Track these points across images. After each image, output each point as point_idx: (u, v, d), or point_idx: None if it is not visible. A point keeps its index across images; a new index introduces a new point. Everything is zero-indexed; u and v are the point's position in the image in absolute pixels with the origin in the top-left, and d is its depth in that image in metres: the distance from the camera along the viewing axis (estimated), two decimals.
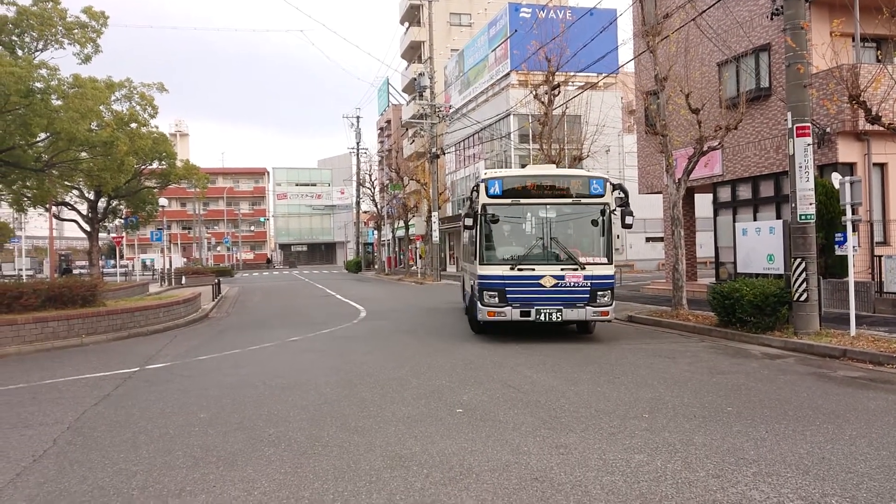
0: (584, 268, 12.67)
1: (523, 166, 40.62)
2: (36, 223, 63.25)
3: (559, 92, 22.67)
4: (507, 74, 42.69)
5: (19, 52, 14.62)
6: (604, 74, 28.39)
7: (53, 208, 29.82)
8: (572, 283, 12.59)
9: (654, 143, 22.98)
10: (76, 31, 15.02)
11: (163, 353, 12.91)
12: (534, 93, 22.80)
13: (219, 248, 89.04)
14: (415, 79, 42.19)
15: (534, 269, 12.69)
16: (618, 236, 18.37)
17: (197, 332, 16.99)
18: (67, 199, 28.16)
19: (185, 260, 72.18)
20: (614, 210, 12.89)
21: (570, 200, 12.90)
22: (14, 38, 14.58)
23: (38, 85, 13.61)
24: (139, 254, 72.02)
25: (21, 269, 52.53)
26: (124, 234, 43.37)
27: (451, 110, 48.11)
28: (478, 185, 13.34)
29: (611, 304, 12.79)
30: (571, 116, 25.62)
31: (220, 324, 19.06)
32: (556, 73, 22.00)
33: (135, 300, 21.82)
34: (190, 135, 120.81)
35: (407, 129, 61.45)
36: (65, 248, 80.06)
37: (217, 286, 30.25)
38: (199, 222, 78.97)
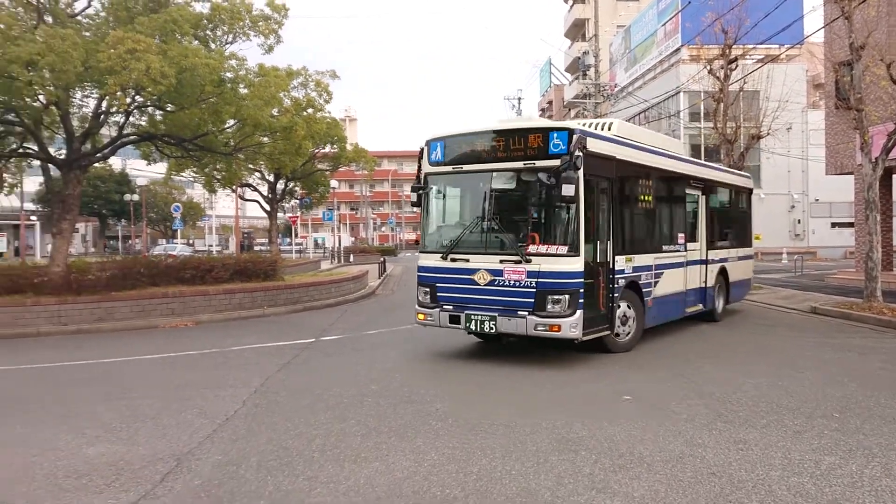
0: (529, 260, 8.95)
1: (695, 148, 38.81)
2: (224, 203, 69.05)
3: (736, 66, 21.23)
4: (678, 49, 40.66)
5: (212, 46, 15.87)
6: (787, 46, 26.21)
7: (238, 189, 32.37)
8: (511, 282, 9.07)
9: (846, 119, 20.90)
10: (260, 23, 16.05)
11: (335, 326, 13.64)
12: (708, 67, 21.51)
13: (383, 229, 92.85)
14: (578, 58, 41.27)
15: (468, 261, 9.47)
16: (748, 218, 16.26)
17: (365, 307, 17.80)
18: (250, 181, 30.47)
19: (352, 239, 75.90)
20: (587, 175, 9.06)
21: (520, 165, 9.17)
22: (207, 32, 15.84)
23: (229, 75, 14.78)
24: (311, 233, 76.72)
25: (211, 245, 57.60)
26: (299, 213, 46.26)
27: (616, 89, 46.66)
28: (421, 150, 10.35)
29: (570, 315, 8.68)
30: (749, 92, 23.89)
31: (387, 301, 19.84)
32: (734, 46, 20.60)
33: (309, 276, 23.26)
34: (358, 119, 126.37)
35: (569, 110, 60.40)
36: (247, 226, 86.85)
37: (382, 265, 31.48)
38: (365, 203, 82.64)
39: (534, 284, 8.89)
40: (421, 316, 10.00)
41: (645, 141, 11.46)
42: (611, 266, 9.59)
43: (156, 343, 11.63)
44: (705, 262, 13.20)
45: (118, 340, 12.12)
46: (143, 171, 49.00)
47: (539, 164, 8.94)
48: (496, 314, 9.06)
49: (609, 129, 10.72)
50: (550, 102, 68.48)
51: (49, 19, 14.08)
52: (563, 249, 8.87)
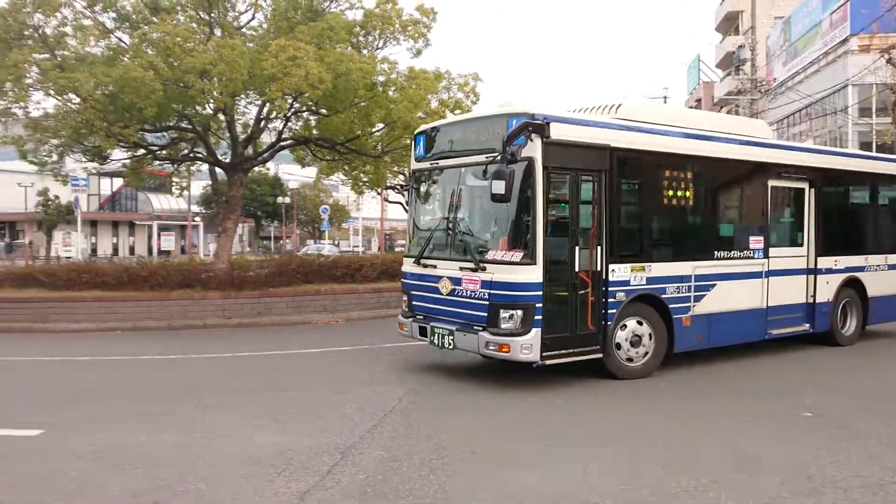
0: (484, 268, 7.78)
1: (866, 146, 35.52)
2: (367, 206, 71.57)
3: None
4: (846, 40, 37.53)
5: (363, 51, 16.34)
6: None
7: (383, 192, 33.31)
8: (468, 293, 7.96)
9: None
10: (409, 27, 16.34)
11: None
12: (887, 57, 19.63)
13: None
14: (731, 52, 39.16)
15: (435, 267, 8.56)
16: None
17: None
18: (395, 182, 31.25)
19: None
20: (553, 168, 7.71)
21: (482, 158, 7.89)
22: (360, 38, 16.33)
23: (380, 79, 15.16)
24: None
25: (355, 246, 59.73)
26: None
27: (774, 84, 43.81)
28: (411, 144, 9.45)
29: (522, 334, 7.39)
30: None
31: None
32: None
33: None
34: None
35: (721, 108, 57.48)
36: (388, 228, 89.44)
37: None
38: None
39: (486, 296, 7.70)
40: (400, 325, 9.23)
41: (681, 122, 9.34)
42: (603, 276, 8.00)
43: (311, 338, 12.07)
44: (814, 271, 10.45)
45: (276, 334, 12.69)
46: (293, 174, 51.71)
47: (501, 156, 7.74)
48: (454, 328, 8.02)
49: (615, 112, 8.96)
50: (699, 101, 65.47)
51: (218, 32, 15.04)
52: (518, 256, 7.54)
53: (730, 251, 9.47)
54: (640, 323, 8.38)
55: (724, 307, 9.19)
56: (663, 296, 8.56)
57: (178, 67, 12.53)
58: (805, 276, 10.43)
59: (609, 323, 8.04)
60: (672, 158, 8.87)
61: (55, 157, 16.31)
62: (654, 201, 8.83)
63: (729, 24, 60.23)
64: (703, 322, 8.98)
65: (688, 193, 9.07)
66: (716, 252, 9.29)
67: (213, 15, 15.01)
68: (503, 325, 7.50)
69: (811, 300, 10.42)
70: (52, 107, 14.68)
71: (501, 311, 7.54)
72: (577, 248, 7.87)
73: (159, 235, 46.47)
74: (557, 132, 7.64)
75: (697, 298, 8.93)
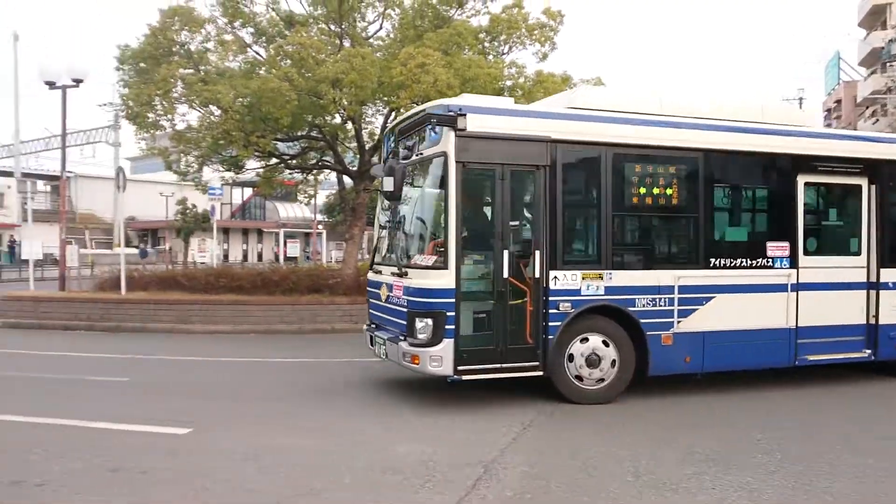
0: (406, 273, 7.28)
1: None
2: None
3: None
4: None
5: (489, 57, 16.22)
6: None
7: None
8: (396, 300, 7.46)
9: None
10: (536, 31, 16.06)
11: None
12: None
13: None
14: (878, 48, 36.27)
15: (381, 272, 8.18)
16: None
17: None
18: None
19: None
20: (473, 163, 7.05)
21: (414, 157, 7.53)
22: (486, 44, 16.23)
23: (508, 83, 14.98)
24: None
25: None
26: None
27: None
28: None
29: (433, 344, 6.78)
30: None
31: None
32: None
33: None
34: None
35: (866, 108, 53.45)
36: None
37: None
38: None
39: (405, 303, 7.17)
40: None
41: (657, 109, 7.99)
42: (543, 284, 7.18)
43: None
44: (875, 285, 8.59)
45: None
46: None
47: (427, 152, 7.29)
48: (387, 337, 7.55)
49: (570, 99, 8.11)
50: (839, 101, 61.17)
51: (347, 43, 15.38)
52: (431, 261, 7.03)
53: (733, 259, 8.01)
54: (605, 343, 7.37)
55: (725, 325, 7.80)
56: (630, 309, 7.43)
57: (312, 77, 12.86)
58: (863, 291, 8.59)
59: (551, 337, 7.13)
60: (642, 151, 7.73)
61: (196, 168, 17.21)
62: (616, 200, 7.60)
63: (875, 18, 55.94)
64: (692, 341, 7.68)
65: (668, 191, 7.81)
66: (712, 260, 7.90)
67: (343, 26, 15.37)
68: (418, 335, 6.90)
69: (872, 321, 8.54)
70: (194, 119, 15.53)
71: (416, 319, 6.94)
72: (505, 251, 7.06)
73: (285, 242, 48.40)
74: (478, 124, 6.91)
75: (684, 313, 7.66)
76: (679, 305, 7.64)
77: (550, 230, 7.23)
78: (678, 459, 5.49)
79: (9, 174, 47.00)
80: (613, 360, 7.36)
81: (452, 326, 6.82)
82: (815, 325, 8.20)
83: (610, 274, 7.41)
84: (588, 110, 7.69)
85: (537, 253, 7.14)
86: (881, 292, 8.55)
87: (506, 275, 7.03)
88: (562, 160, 7.31)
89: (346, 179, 17.05)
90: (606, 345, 7.35)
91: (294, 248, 47.32)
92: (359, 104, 13.68)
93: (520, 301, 7.12)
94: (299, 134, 15.85)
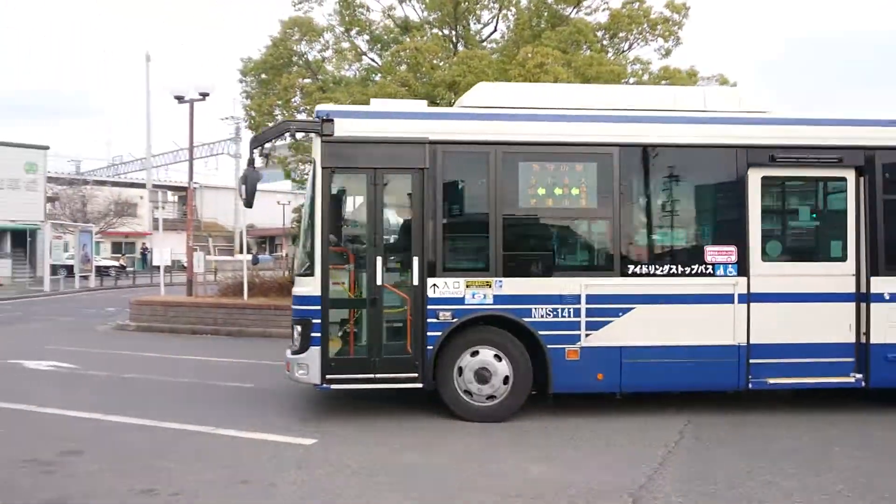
0: (293, 281, 7.25)
1: None
2: None
3: None
4: None
5: (608, 54, 15.60)
6: None
7: None
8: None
9: None
10: (659, 26, 15.35)
11: None
12: None
13: None
14: None
15: None
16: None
17: None
18: None
19: None
20: (342, 168, 6.92)
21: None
22: (604, 41, 15.63)
23: (632, 80, 14.37)
24: None
25: None
26: None
27: None
28: None
29: (301, 351, 6.71)
30: None
31: None
32: None
33: None
34: None
35: None
36: None
37: None
38: None
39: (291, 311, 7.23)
40: None
41: (558, 102, 7.32)
42: (422, 292, 6.73)
43: None
44: (865, 297, 7.12)
45: None
46: None
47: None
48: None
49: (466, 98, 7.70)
50: None
51: (460, 47, 15.20)
52: (302, 269, 6.97)
53: (659, 266, 7.06)
54: (498, 357, 6.81)
55: (649, 340, 6.92)
56: (526, 320, 6.80)
57: (428, 82, 12.74)
58: (850, 303, 7.14)
59: (430, 348, 6.72)
60: (538, 149, 7.06)
61: None
62: (507, 203, 6.98)
63: None
64: (605, 357, 6.88)
65: (575, 192, 7.05)
66: (630, 267, 7.01)
67: (457, 29, 15.22)
68: (292, 342, 6.94)
69: (863, 339, 7.10)
70: None
71: (293, 327, 6.96)
72: (378, 258, 6.78)
73: None
74: (347, 129, 6.71)
75: (595, 325, 6.88)
76: (587, 317, 6.89)
77: (431, 236, 6.84)
78: (850, 495, 4.81)
79: (141, 185, 50.30)
80: (506, 377, 6.79)
81: (319, 334, 6.66)
82: (775, 342, 6.99)
83: (500, 282, 6.87)
84: (479, 108, 7.25)
85: (415, 259, 6.79)
86: (872, 305, 7.06)
87: (379, 282, 6.80)
88: (442, 162, 6.90)
89: None
90: (499, 359, 6.81)
91: None
92: None
93: (399, 310, 6.91)
94: None
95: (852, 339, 7.07)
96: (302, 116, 14.81)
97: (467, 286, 6.82)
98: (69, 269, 32.31)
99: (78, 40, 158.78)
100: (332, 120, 6.74)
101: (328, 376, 6.72)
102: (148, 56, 56.13)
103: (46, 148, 37.72)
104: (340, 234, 7.07)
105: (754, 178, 7.08)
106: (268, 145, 7.30)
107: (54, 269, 30.92)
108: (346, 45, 14.41)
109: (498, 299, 6.84)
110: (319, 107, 7.11)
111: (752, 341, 6.96)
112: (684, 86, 15.76)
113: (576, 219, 7.33)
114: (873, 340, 7.00)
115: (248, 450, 6.03)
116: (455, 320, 6.77)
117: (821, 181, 7.50)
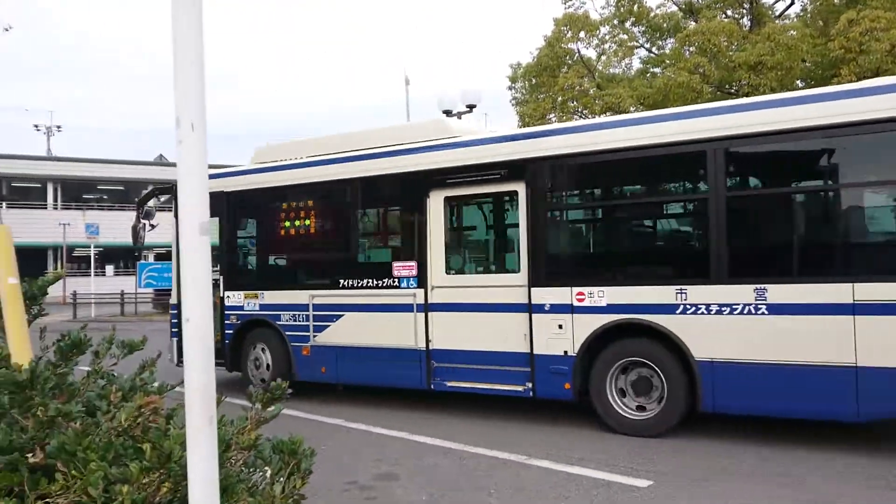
0: None
1: None
2: None
3: None
4: None
5: None
6: None
7: None
8: None
9: None
10: None
11: None
12: None
13: None
14: None
15: None
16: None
17: None
18: None
19: None
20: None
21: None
22: None
23: None
24: None
25: None
26: None
27: None
28: None
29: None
30: None
31: None
32: None
33: None
34: None
35: None
36: None
37: None
38: None
39: None
40: None
41: (314, 151, 8.93)
42: (224, 301, 9.25)
43: None
44: (528, 307, 7.04)
45: None
46: None
47: None
48: None
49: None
50: None
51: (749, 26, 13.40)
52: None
53: (360, 280, 8.29)
54: (263, 350, 9.02)
55: (354, 341, 8.26)
56: (278, 323, 8.82)
57: (725, 65, 11.24)
58: (523, 314, 7.16)
59: (227, 342, 9.18)
60: (280, 192, 8.90)
61: None
62: (265, 234, 9.36)
63: None
64: (326, 354, 8.49)
65: (306, 222, 8.80)
66: (341, 281, 8.40)
67: (746, 6, 13.45)
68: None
69: (529, 347, 7.11)
70: None
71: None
72: (218, 276, 9.28)
73: None
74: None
75: (318, 328, 8.56)
76: (314, 321, 8.56)
77: (226, 261, 9.39)
78: None
79: None
80: (268, 364, 8.97)
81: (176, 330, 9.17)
82: (452, 348, 7.62)
83: (262, 294, 9.01)
84: (261, 164, 9.30)
85: (221, 278, 9.28)
86: (534, 316, 7.08)
87: (217, 294, 9.24)
88: (230, 208, 9.28)
89: None
90: (264, 352, 9.04)
91: None
92: (785, 89, 11.62)
93: (216, 314, 9.03)
94: None
95: (526, 350, 7.15)
96: (577, 118, 14.07)
97: (245, 297, 9.15)
98: None
99: (332, 64, 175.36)
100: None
101: (179, 361, 8.32)
102: (407, 80, 60.02)
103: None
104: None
105: (437, 199, 7.72)
106: (151, 202, 10.02)
107: None
108: (623, 36, 13.33)
109: (262, 307, 9.00)
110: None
111: (432, 347, 7.72)
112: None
113: (306, 243, 8.94)
114: (536, 351, 7.07)
115: (571, 486, 5.26)
116: (238, 322, 9.18)
117: (497, 196, 7.85)
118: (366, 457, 6.22)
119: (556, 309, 6.94)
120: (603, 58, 13.30)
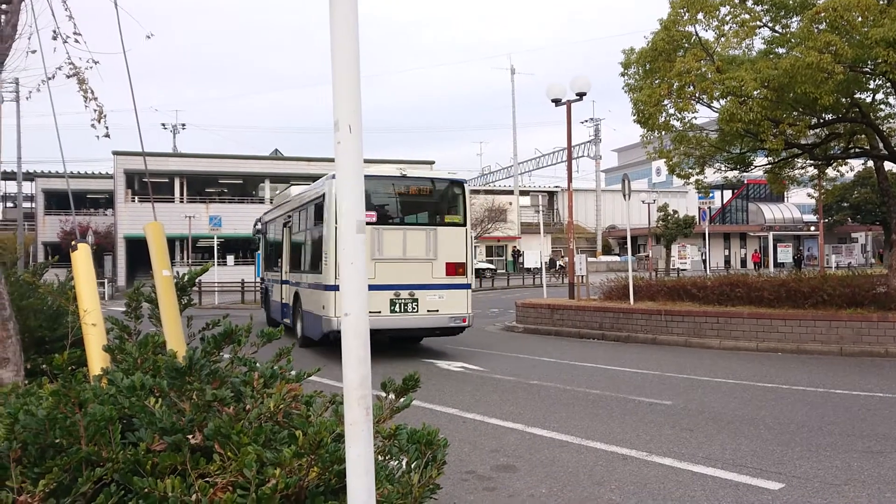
0: None
1: None
2: None
3: None
4: None
5: None
6: None
7: None
8: None
9: None
10: None
11: None
12: None
13: None
14: None
15: None
16: None
17: None
18: None
19: None
20: None
21: None
22: None
23: None
24: None
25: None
26: None
27: None
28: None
29: None
30: None
31: None
32: None
33: None
34: None
35: None
36: None
37: None
38: None
39: None
40: None
41: None
42: None
43: None
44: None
45: None
46: None
47: None
48: None
49: None
50: None
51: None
52: None
53: None
54: None
55: None
56: None
57: (860, 42, 10.48)
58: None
59: None
60: None
61: (697, 169, 16.05)
62: None
63: None
64: None
65: None
66: None
67: None
68: None
69: None
70: (702, 117, 14.39)
71: None
72: None
73: (775, 247, 44.21)
74: None
75: None
76: None
77: None
78: None
79: (509, 192, 53.32)
80: None
81: None
82: None
83: None
84: None
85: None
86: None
87: None
88: None
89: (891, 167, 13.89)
90: None
91: (786, 253, 42.92)
92: None
93: None
94: (830, 118, 13.38)
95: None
96: (695, 103, 13.52)
97: None
98: None
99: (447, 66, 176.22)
100: None
101: None
102: (512, 69, 59.61)
103: (432, 163, 41.92)
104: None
105: None
106: None
107: None
108: (746, 16, 12.66)
109: None
110: None
111: None
112: None
113: None
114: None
115: (696, 486, 5.07)
116: None
117: None
118: (483, 447, 6.25)
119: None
120: (722, 39, 12.68)
